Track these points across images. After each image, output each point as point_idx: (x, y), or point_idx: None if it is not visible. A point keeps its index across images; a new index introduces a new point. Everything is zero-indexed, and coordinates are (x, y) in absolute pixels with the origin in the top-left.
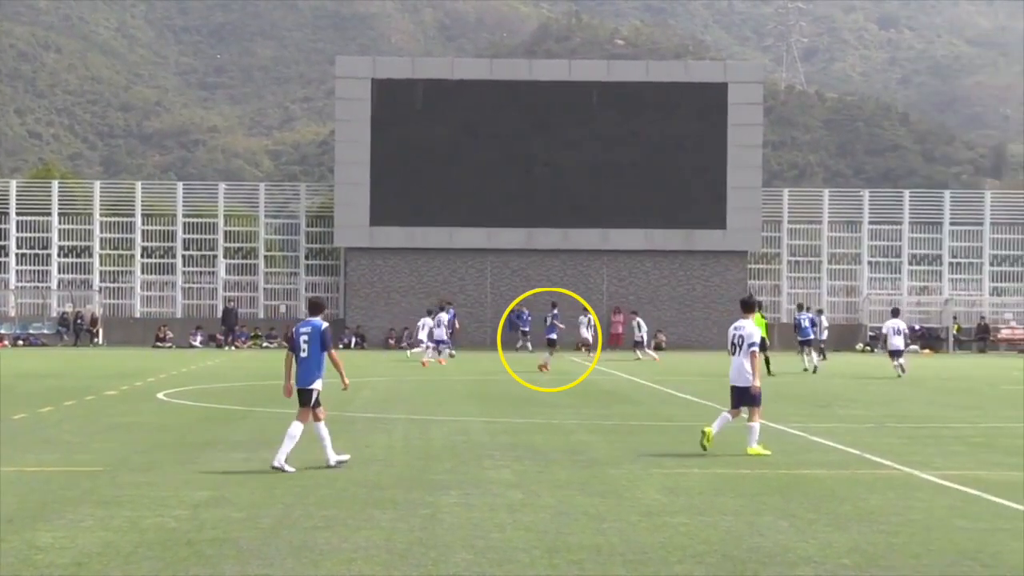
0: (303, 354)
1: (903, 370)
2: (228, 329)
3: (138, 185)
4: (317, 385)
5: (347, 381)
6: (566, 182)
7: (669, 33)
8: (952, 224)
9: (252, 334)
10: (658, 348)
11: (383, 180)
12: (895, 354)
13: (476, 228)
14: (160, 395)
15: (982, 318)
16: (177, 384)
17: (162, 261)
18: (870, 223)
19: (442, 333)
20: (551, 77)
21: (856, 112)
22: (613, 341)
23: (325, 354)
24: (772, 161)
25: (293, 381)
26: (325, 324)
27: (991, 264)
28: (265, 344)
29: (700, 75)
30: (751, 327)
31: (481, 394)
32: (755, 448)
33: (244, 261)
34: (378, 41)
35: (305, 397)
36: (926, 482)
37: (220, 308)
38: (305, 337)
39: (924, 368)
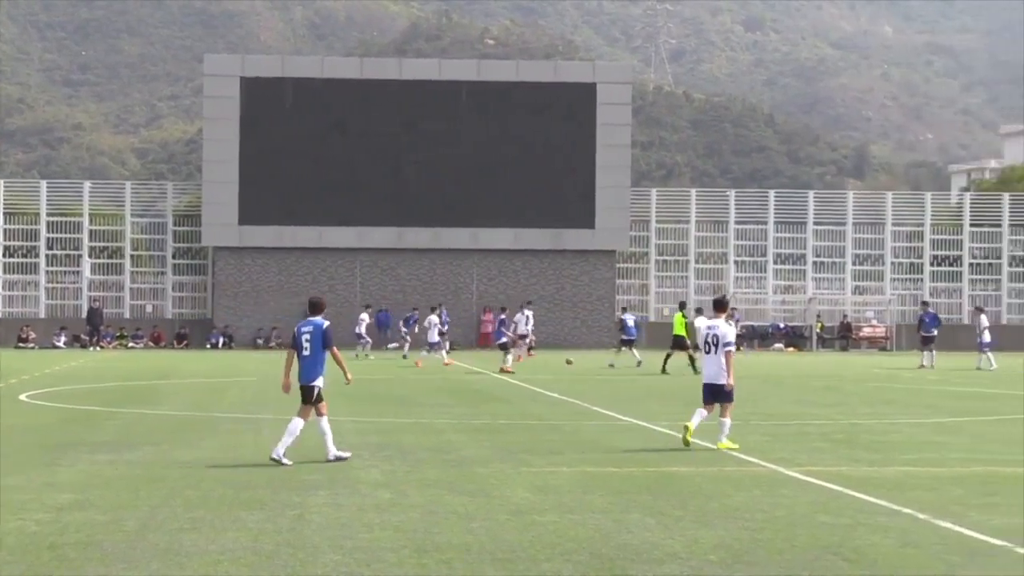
0: (305, 352)
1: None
2: (93, 329)
3: (0, 184)
4: (319, 382)
5: (350, 376)
6: (436, 181)
7: (539, 33)
8: (816, 224)
9: (118, 334)
10: (528, 347)
11: (252, 179)
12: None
13: (346, 227)
14: (23, 397)
15: (844, 316)
16: (40, 385)
17: (25, 260)
18: (736, 222)
19: (434, 335)
20: (421, 76)
21: (723, 113)
22: (483, 340)
23: (327, 352)
24: (640, 161)
25: (294, 378)
26: (327, 323)
27: (853, 263)
28: (131, 344)
29: (569, 75)
30: (724, 327)
31: (350, 394)
32: (724, 442)
33: (110, 260)
34: (247, 39)
35: (307, 394)
36: (790, 479)
37: (85, 308)
38: (307, 336)
39: (788, 366)
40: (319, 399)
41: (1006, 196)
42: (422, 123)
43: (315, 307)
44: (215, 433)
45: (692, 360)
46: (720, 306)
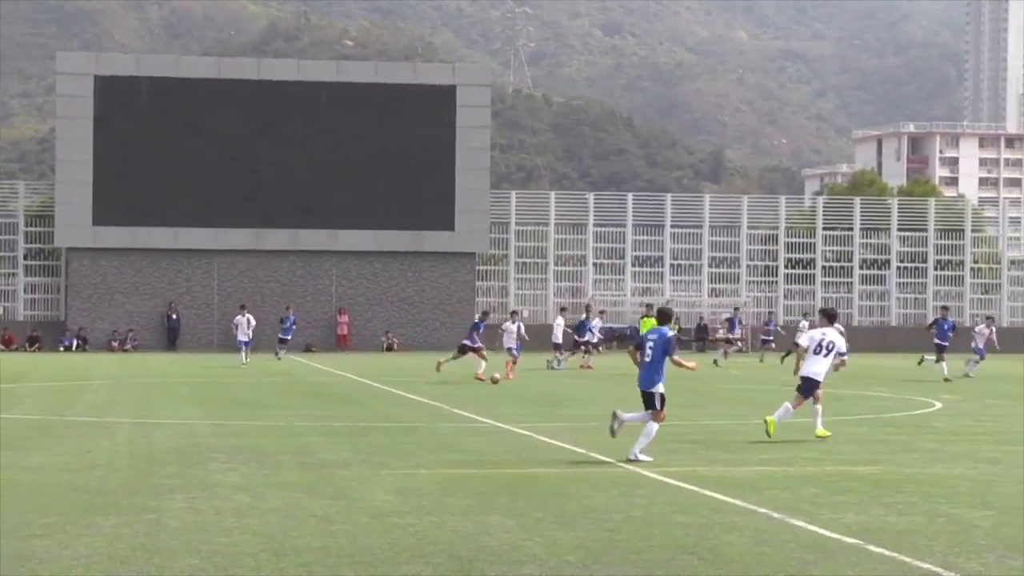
0: (647, 358)
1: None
2: None
3: None
4: (659, 388)
5: (692, 365)
6: (295, 182)
7: (398, 35)
8: (673, 227)
9: None
10: (389, 349)
11: (106, 179)
12: (558, 347)
13: (203, 228)
14: None
15: (701, 319)
16: None
17: None
18: (595, 225)
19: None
20: (279, 77)
21: (582, 116)
22: (340, 342)
23: (667, 359)
24: (500, 164)
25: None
26: (671, 332)
27: (709, 266)
28: None
29: (429, 77)
30: (836, 335)
31: (207, 396)
32: (821, 430)
33: None
34: (101, 37)
35: (648, 400)
36: (648, 479)
37: None
38: (651, 344)
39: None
40: (663, 405)
41: (857, 200)
42: (280, 124)
43: (664, 316)
44: (69, 437)
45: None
46: (830, 317)
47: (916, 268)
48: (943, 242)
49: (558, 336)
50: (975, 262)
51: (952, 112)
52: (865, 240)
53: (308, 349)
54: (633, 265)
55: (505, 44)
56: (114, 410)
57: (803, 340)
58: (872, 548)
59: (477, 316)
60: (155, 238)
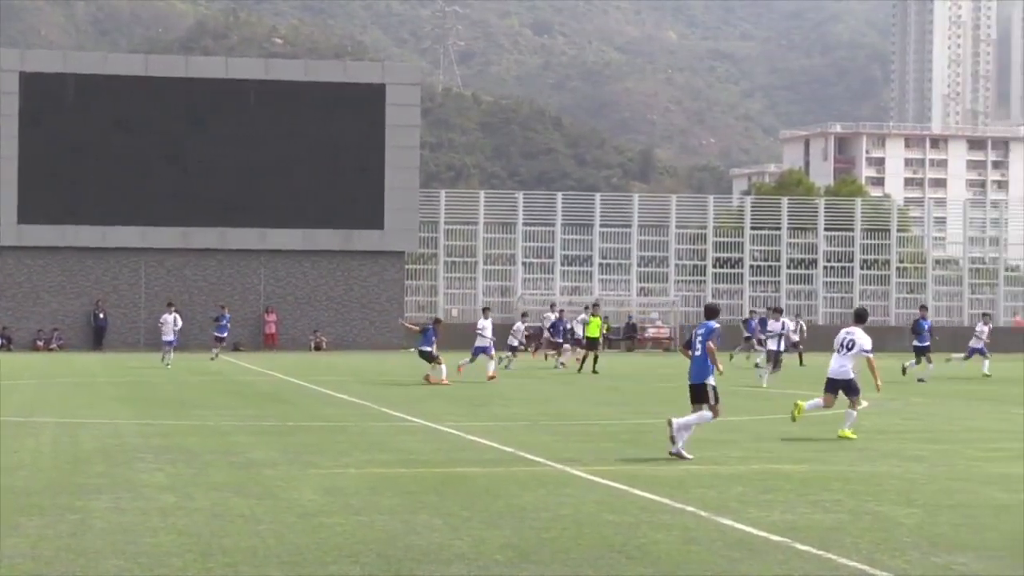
0: (696, 352)
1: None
2: None
3: None
4: (710, 380)
5: (721, 368)
6: (223, 181)
7: (328, 33)
8: (602, 226)
9: None
10: (317, 348)
11: (32, 177)
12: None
13: (130, 227)
14: None
15: (630, 318)
16: None
17: None
18: (524, 224)
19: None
20: (208, 74)
21: (511, 115)
22: (268, 341)
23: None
24: (430, 163)
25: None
26: (716, 325)
27: (638, 265)
28: None
29: (358, 76)
30: (861, 334)
31: (133, 396)
32: (846, 431)
33: None
34: (27, 34)
35: (699, 392)
36: (577, 478)
37: None
38: (700, 337)
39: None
40: (716, 398)
41: (785, 200)
42: (209, 122)
43: (711, 312)
44: None
45: (595, 360)
46: (861, 318)
47: (842, 268)
48: (869, 242)
49: (515, 338)
50: (900, 262)
51: (878, 112)
52: (792, 240)
53: (236, 348)
54: (562, 264)
55: (435, 43)
56: (40, 410)
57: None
58: (798, 546)
59: (431, 322)
60: (82, 236)
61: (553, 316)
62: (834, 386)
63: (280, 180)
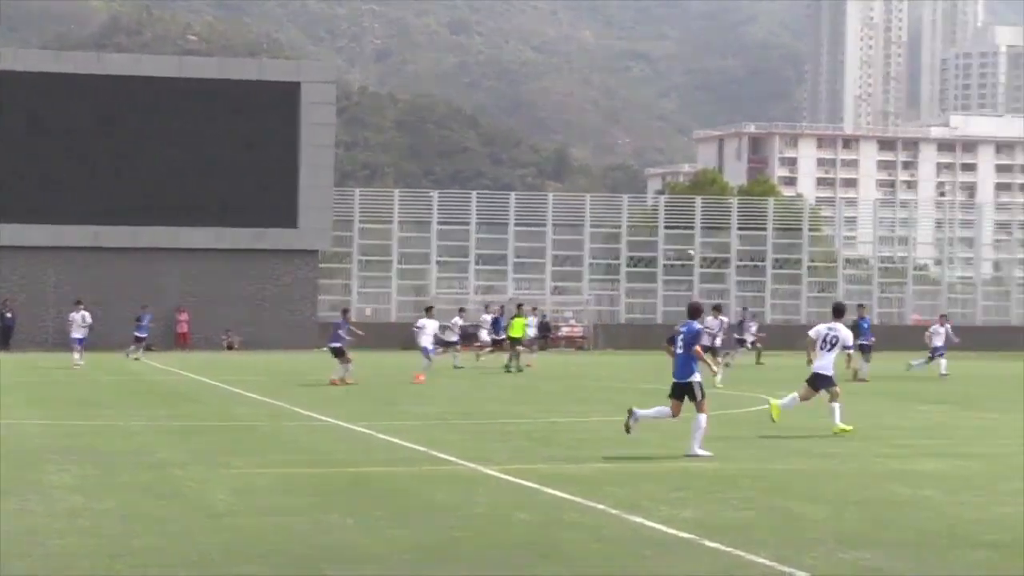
0: (679, 351)
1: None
2: None
3: None
4: (694, 378)
5: (715, 369)
6: (135, 179)
7: (243, 31)
8: (517, 225)
9: None
10: (229, 348)
11: None
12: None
13: (40, 225)
14: None
15: (544, 316)
16: None
17: None
18: (439, 223)
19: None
20: (120, 71)
21: (427, 114)
22: (180, 340)
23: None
24: (344, 161)
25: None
26: (698, 326)
27: (553, 264)
28: None
29: (273, 74)
30: (844, 330)
31: (41, 396)
32: (840, 425)
33: None
34: None
35: (685, 390)
36: (489, 477)
37: None
38: (681, 336)
39: (491, 366)
40: (703, 396)
41: (698, 199)
42: (121, 119)
43: (694, 312)
44: None
45: (517, 358)
46: (839, 312)
47: (755, 267)
48: (781, 241)
49: (454, 333)
50: (812, 261)
51: (792, 113)
52: (706, 239)
53: (148, 348)
54: (477, 263)
55: (351, 41)
56: None
57: (811, 333)
58: (707, 543)
59: (340, 315)
60: None
61: (489, 317)
62: (818, 380)
63: (193, 178)
